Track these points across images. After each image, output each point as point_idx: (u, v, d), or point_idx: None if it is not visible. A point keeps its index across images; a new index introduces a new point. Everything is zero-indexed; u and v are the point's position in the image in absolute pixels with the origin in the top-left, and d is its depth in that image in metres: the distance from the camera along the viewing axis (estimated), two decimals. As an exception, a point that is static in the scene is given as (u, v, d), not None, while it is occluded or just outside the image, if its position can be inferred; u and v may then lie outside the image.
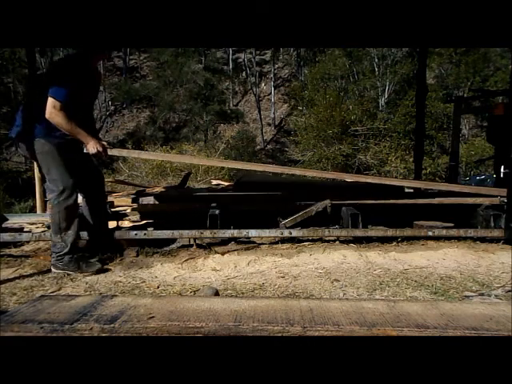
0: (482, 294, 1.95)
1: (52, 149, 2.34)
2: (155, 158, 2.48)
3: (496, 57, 21.57)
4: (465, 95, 16.66)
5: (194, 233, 2.80)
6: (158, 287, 2.15)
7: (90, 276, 2.34)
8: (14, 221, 3.30)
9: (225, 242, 3.00)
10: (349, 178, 3.38)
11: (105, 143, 2.47)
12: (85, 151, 2.39)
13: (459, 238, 2.86)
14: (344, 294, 2.00)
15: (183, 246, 3.02)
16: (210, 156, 15.67)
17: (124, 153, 2.38)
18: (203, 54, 30.40)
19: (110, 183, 7.62)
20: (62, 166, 2.36)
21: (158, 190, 3.99)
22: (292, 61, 31.64)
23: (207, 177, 10.98)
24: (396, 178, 13.49)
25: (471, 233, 2.82)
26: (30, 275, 2.34)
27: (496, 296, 1.93)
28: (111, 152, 2.50)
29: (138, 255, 2.78)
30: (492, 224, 2.90)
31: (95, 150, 2.36)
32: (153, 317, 0.93)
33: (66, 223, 2.35)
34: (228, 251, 2.75)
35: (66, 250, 2.34)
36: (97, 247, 2.65)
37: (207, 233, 2.81)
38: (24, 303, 1.34)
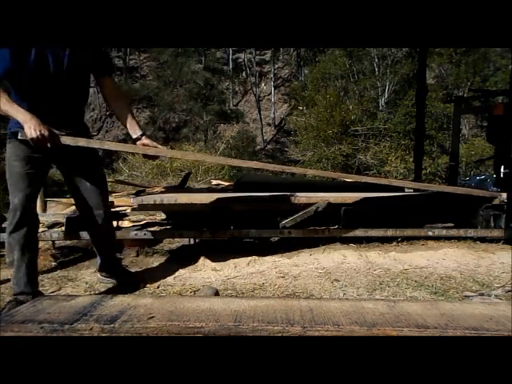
0: (482, 294, 1.96)
1: (10, 150, 1.79)
2: (122, 149, 2.15)
3: (496, 57, 21.57)
4: (465, 95, 16.64)
5: (194, 233, 2.80)
6: (158, 287, 2.15)
7: (90, 276, 2.34)
8: (14, 221, 3.29)
9: (225, 241, 3.00)
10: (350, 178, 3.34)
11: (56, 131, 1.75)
12: (20, 137, 1.71)
13: (459, 238, 2.86)
14: (344, 294, 2.00)
15: (183, 246, 3.03)
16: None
17: (82, 142, 1.80)
18: (203, 54, 30.41)
19: (110, 183, 7.65)
20: (17, 175, 1.77)
21: (158, 189, 4.00)
22: (292, 61, 31.64)
23: (207, 177, 10.99)
24: (396, 178, 13.50)
25: (471, 233, 2.82)
26: (30, 275, 2.33)
27: (496, 296, 1.93)
28: (64, 141, 1.78)
29: (138, 255, 2.78)
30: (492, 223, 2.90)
31: (34, 135, 1.64)
32: (153, 317, 0.93)
33: (11, 251, 1.80)
34: (228, 251, 2.75)
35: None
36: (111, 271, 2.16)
37: (207, 233, 2.80)
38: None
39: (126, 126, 2.00)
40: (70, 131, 1.83)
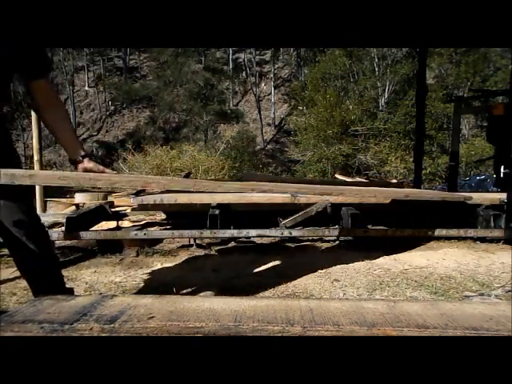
0: (482, 294, 1.96)
1: None
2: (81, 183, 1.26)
3: (496, 57, 21.60)
4: (465, 95, 16.65)
5: (194, 233, 2.80)
6: (158, 287, 2.15)
7: (90, 276, 2.34)
8: (13, 221, 3.29)
9: (225, 242, 3.00)
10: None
11: None
12: None
13: (459, 238, 2.86)
14: (344, 294, 2.00)
15: (183, 246, 3.03)
16: (210, 156, 15.63)
17: (26, 180, 1.26)
18: (203, 54, 30.44)
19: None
20: None
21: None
22: (292, 61, 31.68)
23: (207, 177, 10.99)
24: (396, 177, 13.50)
25: (471, 233, 2.82)
26: (30, 275, 2.33)
27: (496, 296, 1.93)
28: None
29: (138, 255, 2.78)
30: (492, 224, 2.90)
31: None
32: (153, 317, 0.93)
33: None
34: (228, 251, 2.75)
35: None
36: None
37: (207, 233, 2.80)
38: (24, 303, 1.34)
39: (62, 144, 1.50)
40: None
